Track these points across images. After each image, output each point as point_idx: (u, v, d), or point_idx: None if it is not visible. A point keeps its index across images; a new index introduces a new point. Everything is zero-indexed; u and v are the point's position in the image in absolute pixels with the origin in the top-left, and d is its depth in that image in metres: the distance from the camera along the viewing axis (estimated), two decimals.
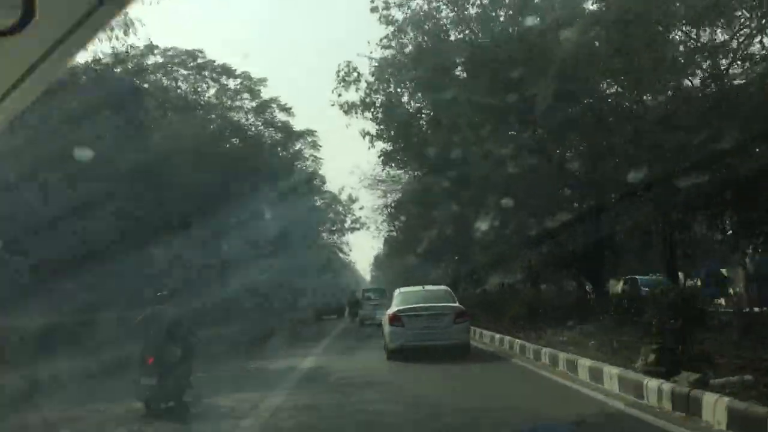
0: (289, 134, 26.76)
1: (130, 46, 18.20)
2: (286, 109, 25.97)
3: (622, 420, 6.91)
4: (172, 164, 18.13)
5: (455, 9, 19.69)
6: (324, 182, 31.74)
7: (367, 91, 21.69)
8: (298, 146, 28.11)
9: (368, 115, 21.70)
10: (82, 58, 15.09)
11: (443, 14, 20.17)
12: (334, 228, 40.57)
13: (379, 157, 22.29)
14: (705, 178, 10.52)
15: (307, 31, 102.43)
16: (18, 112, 1.34)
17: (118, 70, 19.12)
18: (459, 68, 20.08)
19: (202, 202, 20.10)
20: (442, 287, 16.15)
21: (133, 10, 15.65)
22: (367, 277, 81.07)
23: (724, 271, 18.08)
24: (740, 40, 12.95)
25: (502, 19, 18.61)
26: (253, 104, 25.50)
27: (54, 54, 1.10)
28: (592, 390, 8.57)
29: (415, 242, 30.32)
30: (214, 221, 20.57)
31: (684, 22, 12.78)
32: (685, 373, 7.24)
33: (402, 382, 10.35)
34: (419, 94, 21.91)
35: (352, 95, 21.96)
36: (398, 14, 20.28)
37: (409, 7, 20.12)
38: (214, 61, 24.76)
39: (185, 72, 24.62)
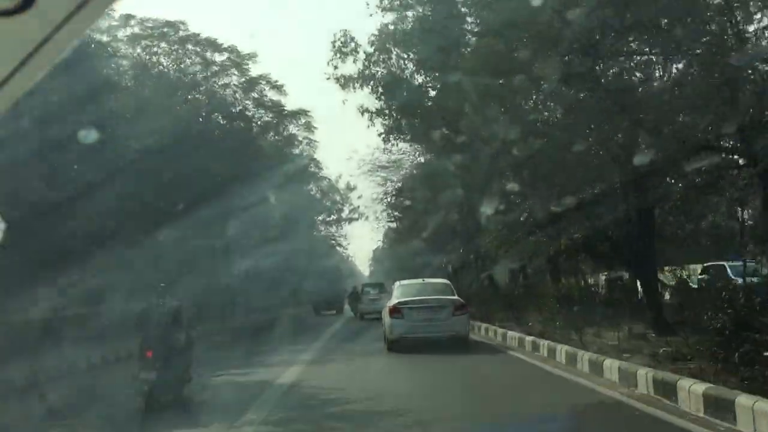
0: (281, 115, 24.52)
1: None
2: (277, 87, 23.75)
3: None
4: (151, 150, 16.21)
5: None
6: (320, 168, 29.46)
7: (366, 63, 19.69)
8: (291, 128, 25.79)
9: (367, 89, 19.69)
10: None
11: None
12: (331, 218, 38.26)
13: (380, 135, 20.13)
14: None
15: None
16: (21, 94, 1.21)
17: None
18: (466, 48, 18.15)
19: (183, 191, 18.14)
20: (442, 280, 16.48)
21: None
22: (366, 271, 79.03)
23: None
24: None
25: None
26: (242, 81, 23.24)
27: (59, 34, 1.06)
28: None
29: (417, 230, 28.33)
30: (195, 212, 18.50)
31: None
32: None
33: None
34: (422, 71, 19.99)
35: (350, 67, 19.88)
36: None
37: None
38: (198, 34, 22.57)
39: (166, 46, 22.45)
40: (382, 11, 18.88)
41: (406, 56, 19.53)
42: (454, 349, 12.61)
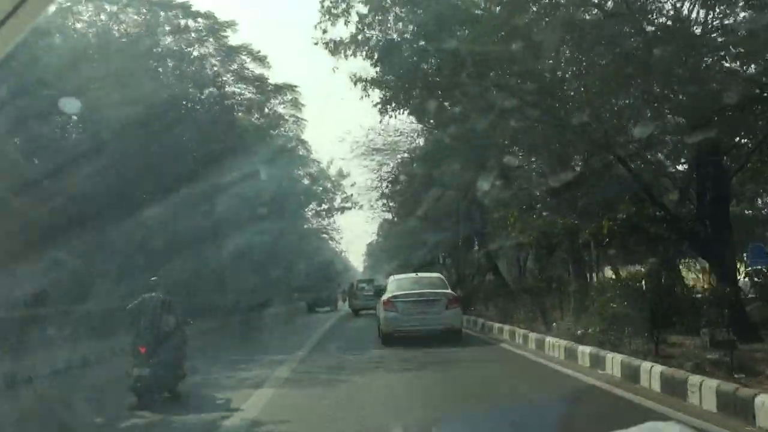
0: (265, 90, 21.89)
1: None
2: (259, 59, 21.15)
3: None
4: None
5: None
6: (308, 150, 26.64)
7: (360, 26, 17.28)
8: (275, 106, 23.06)
9: (361, 56, 17.27)
10: None
11: None
12: (322, 208, 35.55)
13: (375, 105, 17.65)
14: None
15: None
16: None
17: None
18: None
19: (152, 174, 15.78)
20: (435, 274, 16.93)
21: None
22: (360, 267, 76.47)
23: None
24: None
25: None
26: (219, 49, 20.59)
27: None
28: None
29: (414, 221, 25.97)
30: (168, 201, 16.16)
31: None
32: None
33: None
34: (424, 34, 17.64)
35: (341, 30, 17.36)
36: None
37: None
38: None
39: (133, 13, 19.85)
40: None
41: (405, 17, 17.10)
42: (483, 368, 10.06)
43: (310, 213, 35.37)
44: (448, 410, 7.09)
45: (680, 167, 9.88)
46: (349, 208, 34.89)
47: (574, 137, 10.26)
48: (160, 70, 19.66)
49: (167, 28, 20.18)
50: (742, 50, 8.35)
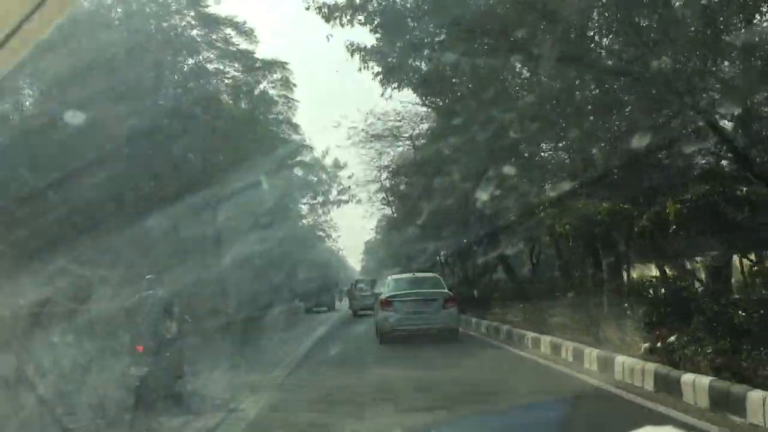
0: (251, 68, 19.57)
1: None
2: (245, 33, 18.85)
3: None
4: None
5: None
6: (300, 133, 23.98)
7: None
8: (265, 87, 20.68)
9: (359, 21, 15.09)
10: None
11: None
12: (317, 201, 33.24)
13: (376, 76, 15.50)
14: None
15: None
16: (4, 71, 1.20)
17: None
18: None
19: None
20: (432, 274, 17.04)
21: None
22: (357, 266, 74.27)
23: None
24: None
25: None
26: (202, 23, 18.30)
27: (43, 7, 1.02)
28: None
29: (416, 215, 23.82)
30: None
31: None
32: None
33: None
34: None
35: None
36: None
37: None
38: None
39: None
40: None
41: None
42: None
43: (305, 207, 33.11)
44: None
45: None
46: (347, 202, 32.68)
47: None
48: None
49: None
50: None
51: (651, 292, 8.91)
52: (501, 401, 7.08)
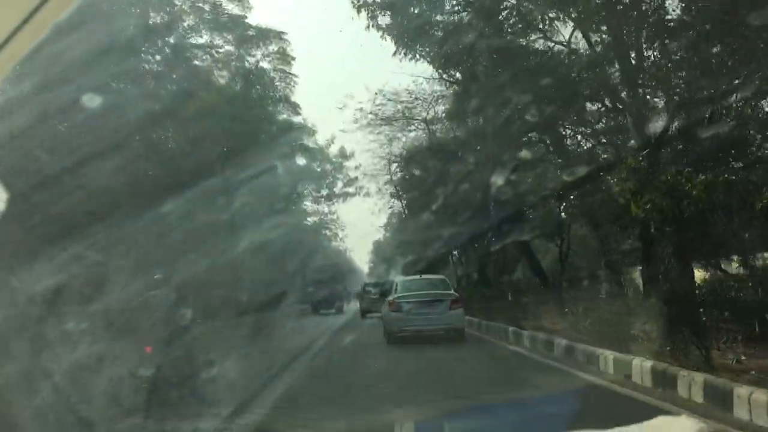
0: (243, 40, 17.14)
1: None
2: None
3: None
4: None
5: None
6: (299, 113, 21.24)
7: None
8: (258, 59, 18.20)
9: None
10: None
11: None
12: (320, 194, 30.63)
13: (383, 34, 13.34)
14: None
15: None
16: (20, 56, 1.17)
17: None
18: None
19: None
20: (439, 276, 17.19)
21: None
22: (365, 268, 72.01)
23: None
24: None
25: None
26: None
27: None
28: None
29: (429, 210, 21.47)
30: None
31: None
32: None
33: None
34: None
35: None
36: None
37: None
38: None
39: None
40: None
41: None
42: None
43: (308, 202, 30.60)
44: None
45: None
46: (354, 195, 30.17)
47: None
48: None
49: None
50: None
51: None
52: None
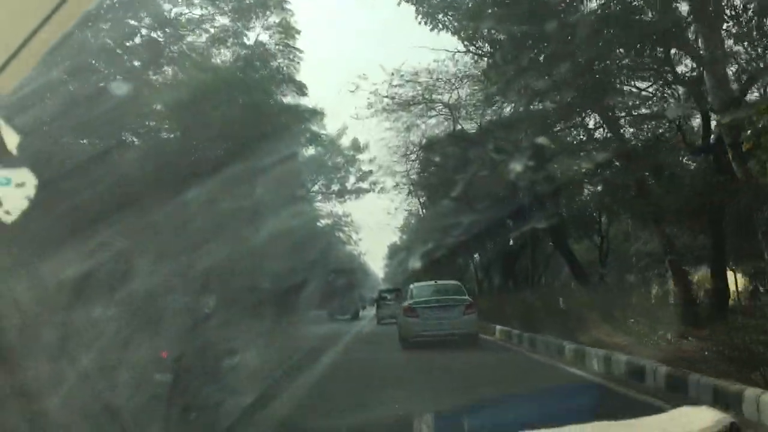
0: (244, 9, 14.95)
1: None
2: None
3: None
4: None
5: None
6: (305, 93, 18.06)
7: None
8: (258, 32, 16.01)
9: None
10: None
11: None
12: (331, 190, 28.33)
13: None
14: None
15: None
16: (47, 47, 1.19)
17: None
18: None
19: None
20: (453, 282, 17.33)
21: None
22: (381, 273, 70.51)
23: None
24: None
25: None
26: None
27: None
28: None
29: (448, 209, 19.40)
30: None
31: None
32: None
33: None
34: None
35: None
36: None
37: None
38: None
39: None
40: None
41: None
42: None
43: (318, 196, 28.36)
44: None
45: None
46: (367, 191, 27.94)
47: None
48: None
49: None
50: None
51: None
52: None
